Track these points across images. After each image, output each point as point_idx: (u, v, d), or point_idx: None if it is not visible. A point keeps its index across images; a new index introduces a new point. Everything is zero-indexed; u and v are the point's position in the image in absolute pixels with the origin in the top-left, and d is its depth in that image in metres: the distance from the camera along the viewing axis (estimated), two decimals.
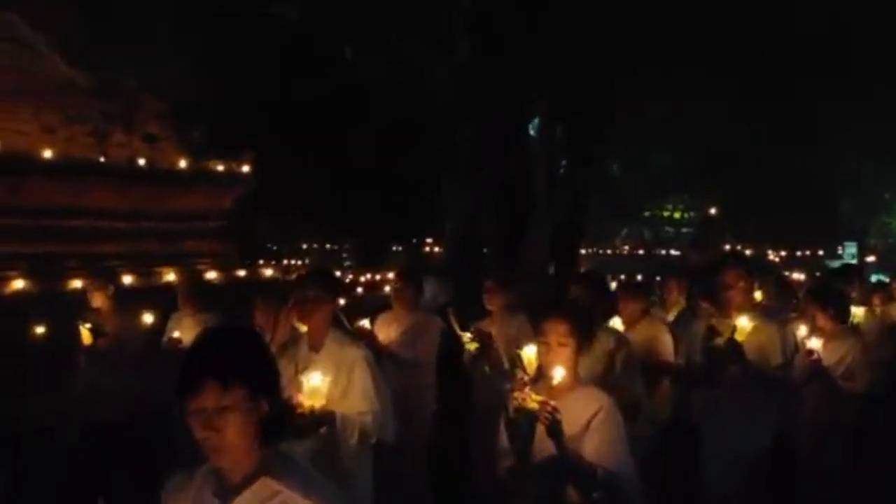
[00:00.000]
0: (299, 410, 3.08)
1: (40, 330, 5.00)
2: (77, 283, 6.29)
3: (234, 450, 1.76)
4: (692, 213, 29.92)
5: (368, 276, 13.05)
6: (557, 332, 2.84)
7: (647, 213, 30.55)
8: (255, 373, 1.78)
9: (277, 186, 10.76)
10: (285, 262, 14.75)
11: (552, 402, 2.66)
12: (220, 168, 8.56)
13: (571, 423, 2.75)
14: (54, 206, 7.00)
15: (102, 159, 7.40)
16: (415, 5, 10.53)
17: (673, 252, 26.88)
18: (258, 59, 10.09)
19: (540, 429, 2.71)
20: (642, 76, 12.46)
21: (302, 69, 10.98)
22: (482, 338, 4.54)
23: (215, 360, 1.75)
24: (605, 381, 3.42)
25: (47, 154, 6.99)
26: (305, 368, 3.33)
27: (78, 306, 4.87)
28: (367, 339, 4.36)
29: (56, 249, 6.99)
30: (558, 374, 2.78)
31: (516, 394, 2.71)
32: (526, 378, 2.83)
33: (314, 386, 3.15)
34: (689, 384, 4.21)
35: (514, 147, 11.12)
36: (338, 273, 11.40)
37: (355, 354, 3.46)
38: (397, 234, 16.96)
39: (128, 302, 5.01)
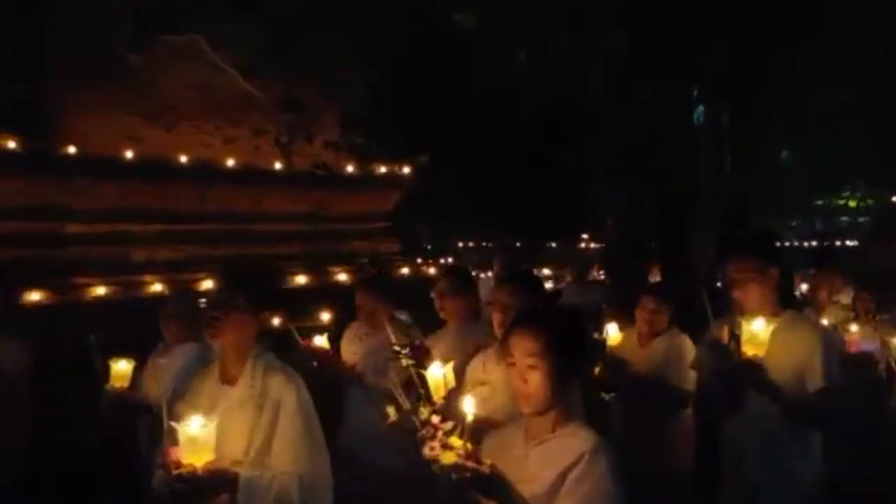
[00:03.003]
0: (175, 472, 2.23)
1: None
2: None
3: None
4: (870, 202, 27.76)
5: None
6: (524, 348, 2.11)
7: (819, 203, 28.62)
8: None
9: (433, 186, 10.96)
10: (441, 260, 15.02)
11: (476, 455, 1.90)
12: (384, 170, 8.88)
13: (540, 477, 2.06)
14: (238, 211, 7.53)
15: (280, 166, 7.91)
16: None
17: (849, 243, 25.06)
18: (424, 64, 10.32)
19: None
20: (818, 54, 11.73)
21: (463, 70, 11.14)
22: (414, 355, 3.53)
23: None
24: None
25: (230, 163, 7.55)
26: (212, 407, 2.52)
27: None
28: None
29: (238, 252, 7.50)
30: (466, 407, 1.93)
31: (427, 444, 1.99)
32: (434, 417, 2.09)
33: (191, 436, 2.25)
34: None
35: (675, 137, 10.76)
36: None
37: (282, 388, 2.58)
38: (552, 231, 16.86)
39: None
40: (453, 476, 1.88)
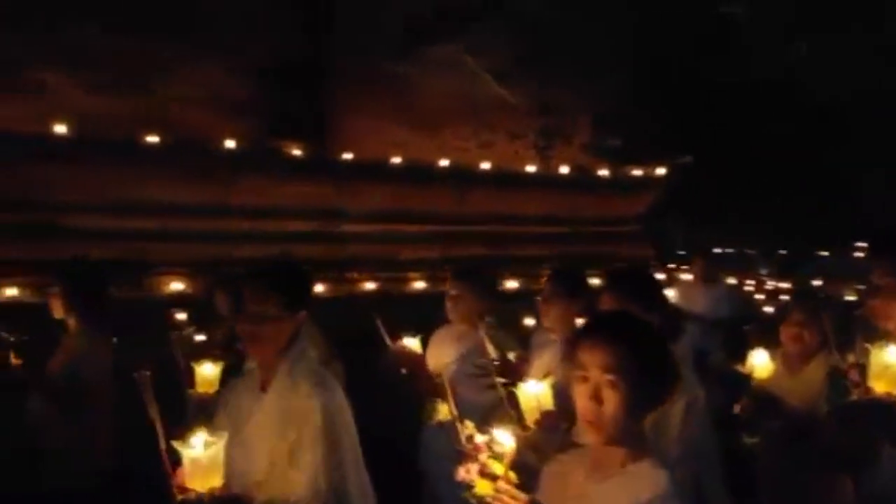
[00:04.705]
0: (180, 498, 2.00)
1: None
2: (513, 284, 6.99)
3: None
4: None
5: (788, 284, 12.09)
6: (602, 361, 1.77)
7: None
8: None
9: (693, 188, 10.49)
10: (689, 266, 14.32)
11: (516, 492, 1.66)
12: (638, 172, 8.67)
13: None
14: (494, 213, 7.73)
15: (535, 169, 8.03)
16: None
17: None
18: (687, 59, 9.92)
19: None
20: None
21: (732, 64, 10.57)
22: (409, 364, 3.30)
23: None
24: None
25: (487, 167, 7.78)
26: (247, 418, 2.33)
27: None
28: None
29: (491, 253, 7.69)
30: (503, 439, 1.75)
31: (462, 468, 1.80)
32: (480, 439, 1.83)
33: (194, 458, 2.00)
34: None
35: None
36: (751, 282, 10.78)
37: (310, 397, 2.28)
38: (822, 238, 15.47)
39: None
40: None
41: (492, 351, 3.32)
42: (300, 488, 2.21)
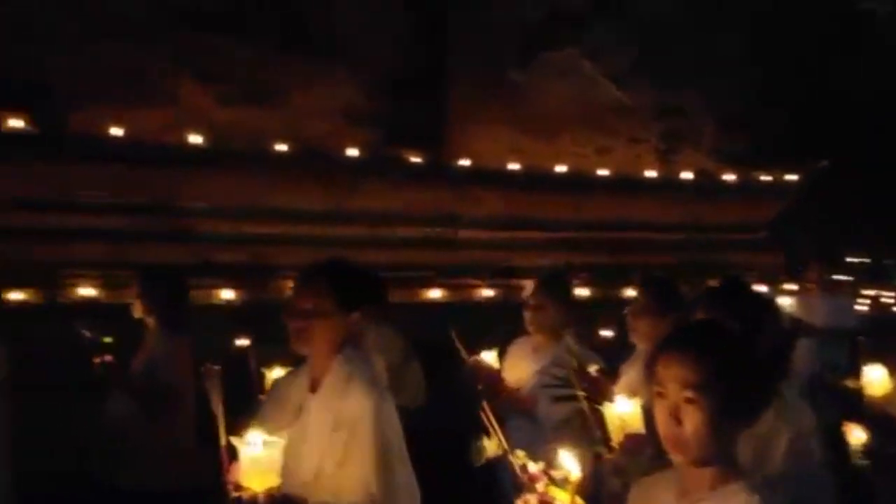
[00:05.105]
0: (235, 496, 1.95)
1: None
2: (630, 292, 6.78)
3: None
4: None
5: None
6: (680, 377, 1.62)
7: None
8: None
9: (824, 196, 9.92)
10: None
11: None
12: (767, 178, 8.30)
13: None
14: (611, 220, 7.57)
15: (654, 174, 7.81)
16: None
17: None
18: (823, 59, 9.42)
19: None
20: None
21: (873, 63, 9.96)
22: (485, 379, 3.10)
23: None
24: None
25: (604, 172, 7.62)
26: (296, 418, 2.28)
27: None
28: None
29: (611, 261, 7.52)
30: (568, 464, 1.63)
31: (522, 498, 1.69)
32: (533, 467, 1.70)
33: (253, 457, 1.94)
34: None
35: None
36: (890, 294, 10.10)
37: (360, 401, 2.23)
38: None
39: None
40: None
41: (574, 363, 3.12)
42: (350, 491, 2.17)
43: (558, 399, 3.14)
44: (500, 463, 2.52)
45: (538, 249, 7.24)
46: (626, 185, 7.74)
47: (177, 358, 3.82)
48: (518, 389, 3.47)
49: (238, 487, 1.94)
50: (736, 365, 1.63)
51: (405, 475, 2.28)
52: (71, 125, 5.99)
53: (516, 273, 6.81)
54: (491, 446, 2.84)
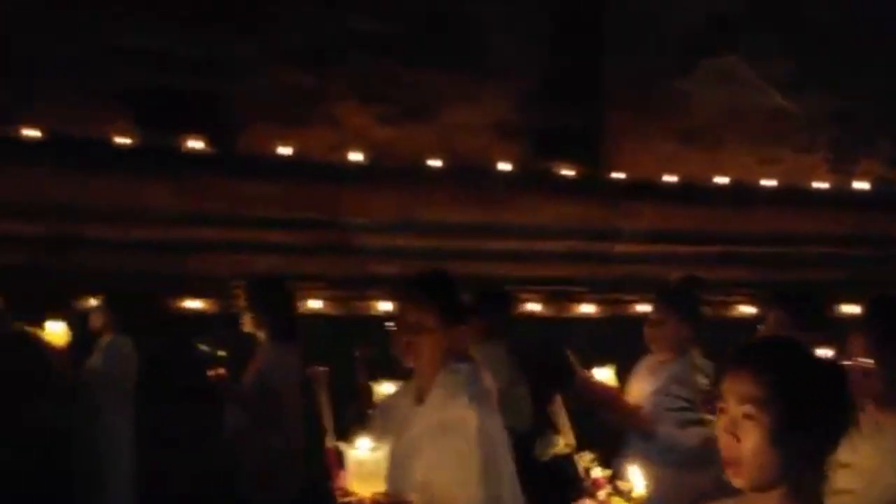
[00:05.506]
0: (342, 501, 1.97)
1: None
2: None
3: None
4: None
5: None
6: (739, 392, 1.51)
7: None
8: None
9: None
10: None
11: None
12: None
13: None
14: (778, 233, 7.20)
15: (826, 185, 7.37)
16: None
17: None
18: None
19: None
20: None
21: None
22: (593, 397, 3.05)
23: None
24: None
25: (770, 184, 7.26)
26: (403, 430, 2.28)
27: None
28: None
29: (777, 277, 7.14)
30: (634, 478, 1.71)
31: (582, 502, 1.69)
32: (598, 473, 1.70)
33: (359, 460, 1.95)
34: None
35: None
36: None
37: (462, 415, 2.21)
38: None
39: None
40: None
41: (704, 382, 3.05)
42: (457, 502, 2.17)
43: (685, 424, 3.04)
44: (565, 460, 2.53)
45: (700, 264, 6.98)
46: (793, 196, 7.36)
47: (286, 368, 3.91)
48: (640, 407, 3.37)
49: (345, 493, 1.97)
50: (802, 382, 1.50)
51: (512, 488, 2.23)
52: (240, 145, 6.33)
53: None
54: (559, 443, 2.90)
